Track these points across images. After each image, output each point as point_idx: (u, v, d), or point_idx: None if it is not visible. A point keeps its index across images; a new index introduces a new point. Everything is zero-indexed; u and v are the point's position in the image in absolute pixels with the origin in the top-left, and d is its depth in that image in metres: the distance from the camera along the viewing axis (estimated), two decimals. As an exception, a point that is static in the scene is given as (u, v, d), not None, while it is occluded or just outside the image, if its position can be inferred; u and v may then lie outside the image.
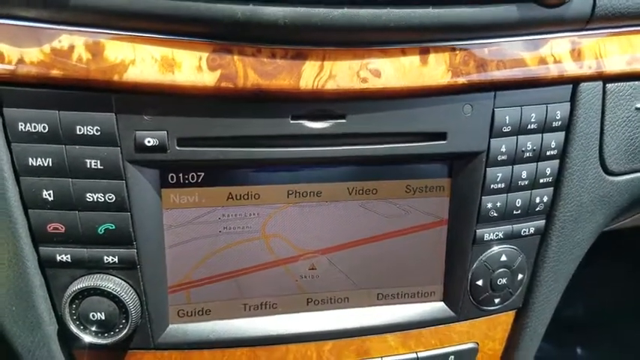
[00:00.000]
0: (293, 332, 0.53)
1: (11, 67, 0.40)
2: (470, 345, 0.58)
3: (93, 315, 0.47)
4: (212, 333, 0.51)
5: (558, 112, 0.50)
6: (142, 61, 0.41)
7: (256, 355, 0.53)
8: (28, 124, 0.42)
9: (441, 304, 0.55)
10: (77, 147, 0.43)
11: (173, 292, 0.50)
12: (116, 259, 0.46)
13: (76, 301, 0.46)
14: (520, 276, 0.55)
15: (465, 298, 0.55)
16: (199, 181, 0.47)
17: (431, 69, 0.45)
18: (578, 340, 1.58)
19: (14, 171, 0.43)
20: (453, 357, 0.57)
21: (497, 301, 0.56)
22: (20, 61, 0.40)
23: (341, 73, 0.44)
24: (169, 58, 0.42)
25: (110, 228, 0.45)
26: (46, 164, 0.43)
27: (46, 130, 0.42)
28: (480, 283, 0.54)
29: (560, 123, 0.51)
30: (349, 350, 0.54)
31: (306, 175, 0.49)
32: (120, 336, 0.47)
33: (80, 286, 0.46)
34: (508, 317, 0.59)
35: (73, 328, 0.46)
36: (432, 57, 0.45)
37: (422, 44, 0.45)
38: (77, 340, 0.47)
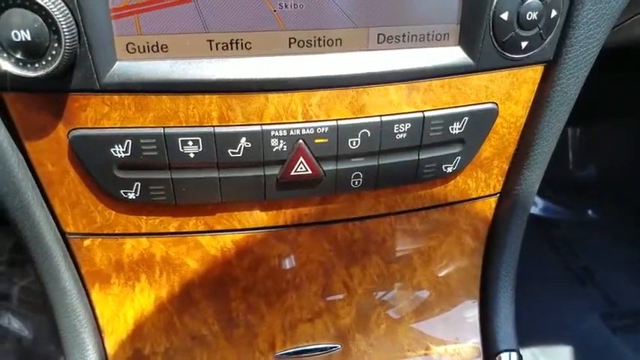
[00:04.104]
0: (272, 77, 0.42)
1: None
2: (488, 105, 0.48)
3: (16, 34, 0.36)
4: (171, 73, 0.41)
5: None
6: None
7: (229, 105, 0.43)
8: None
9: (457, 48, 0.45)
10: None
11: (118, 18, 0.39)
12: None
13: None
14: (554, 12, 0.44)
15: (485, 39, 0.44)
16: None
17: None
18: (590, 202, 1.53)
19: None
20: (467, 119, 0.48)
21: (524, 45, 0.45)
22: None
23: None
24: None
25: None
26: None
27: None
28: (505, 16, 0.43)
29: None
30: (342, 105, 0.45)
31: None
32: (53, 66, 0.37)
33: None
34: (535, 73, 0.48)
35: None
36: None
37: None
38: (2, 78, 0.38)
